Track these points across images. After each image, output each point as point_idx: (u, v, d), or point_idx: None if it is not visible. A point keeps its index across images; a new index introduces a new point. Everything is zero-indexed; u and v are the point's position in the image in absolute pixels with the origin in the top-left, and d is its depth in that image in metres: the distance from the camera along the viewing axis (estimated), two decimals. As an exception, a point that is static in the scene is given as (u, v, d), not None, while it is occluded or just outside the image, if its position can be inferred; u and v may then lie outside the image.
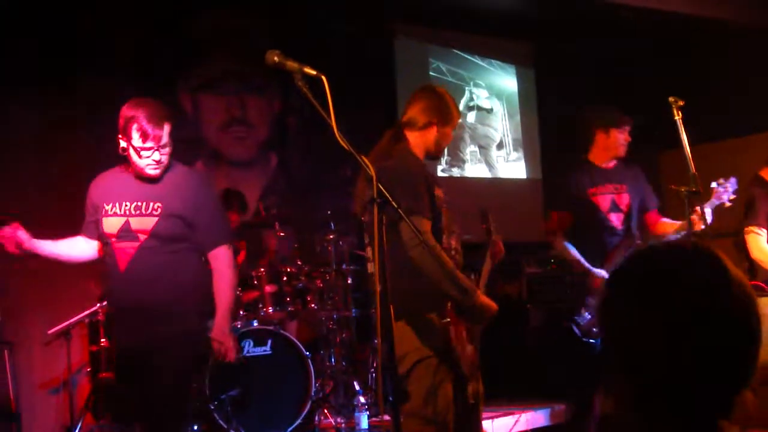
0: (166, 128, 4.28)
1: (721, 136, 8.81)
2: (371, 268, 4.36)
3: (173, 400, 4.37)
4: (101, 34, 7.54)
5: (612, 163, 6.02)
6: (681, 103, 4.94)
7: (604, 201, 5.91)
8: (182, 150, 8.04)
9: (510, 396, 7.43)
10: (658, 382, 1.51)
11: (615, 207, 5.90)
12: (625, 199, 5.93)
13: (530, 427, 6.84)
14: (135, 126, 4.21)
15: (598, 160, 6.02)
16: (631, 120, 5.95)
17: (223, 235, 4.53)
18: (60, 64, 7.25)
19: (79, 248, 4.59)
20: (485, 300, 4.18)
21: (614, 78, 9.34)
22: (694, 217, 5.45)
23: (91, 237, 4.55)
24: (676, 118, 4.89)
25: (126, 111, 4.26)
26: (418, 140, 4.37)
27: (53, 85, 7.22)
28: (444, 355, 4.17)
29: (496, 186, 9.80)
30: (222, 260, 4.49)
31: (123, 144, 4.28)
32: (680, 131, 4.86)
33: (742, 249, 6.10)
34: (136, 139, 4.21)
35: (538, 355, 7.86)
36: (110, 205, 4.39)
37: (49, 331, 6.53)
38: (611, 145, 5.95)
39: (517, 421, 6.75)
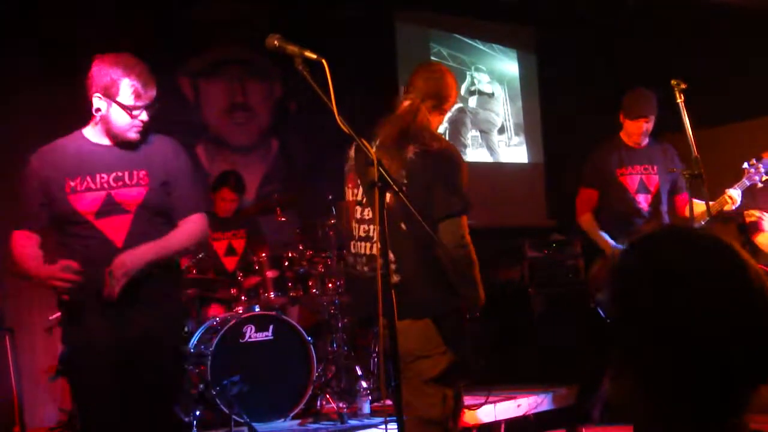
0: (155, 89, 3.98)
1: (723, 119, 8.78)
2: (363, 249, 4.18)
3: (169, 396, 4.13)
4: (102, 21, 7.52)
5: (645, 142, 6.00)
6: (683, 86, 4.93)
7: (632, 182, 5.90)
8: (183, 135, 8.11)
9: (512, 380, 7.42)
10: (671, 373, 1.47)
11: (643, 188, 5.88)
12: (654, 181, 5.92)
13: (533, 411, 6.84)
14: (127, 83, 3.85)
15: (628, 140, 6.01)
16: (647, 114, 5.90)
17: (200, 204, 4.19)
18: (61, 50, 7.22)
19: (32, 248, 4.00)
20: None
21: (616, 61, 9.31)
22: (725, 198, 5.45)
23: (35, 228, 4.01)
24: (679, 101, 4.88)
25: (110, 67, 3.89)
26: (434, 122, 4.26)
27: (54, 73, 7.19)
28: (464, 358, 4.11)
29: (497, 170, 9.78)
30: (193, 222, 4.09)
31: (101, 104, 3.88)
32: (683, 114, 4.85)
33: (744, 232, 6.09)
34: (127, 97, 3.86)
35: (540, 338, 7.85)
36: (77, 180, 3.91)
37: (51, 317, 6.52)
38: (628, 132, 5.96)
39: (519, 406, 6.74)
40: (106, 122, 3.94)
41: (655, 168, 5.93)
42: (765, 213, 6.03)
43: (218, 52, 8.47)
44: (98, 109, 3.90)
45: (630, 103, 5.96)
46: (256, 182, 8.38)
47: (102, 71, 3.88)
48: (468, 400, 6.44)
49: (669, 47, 9.08)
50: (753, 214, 6.04)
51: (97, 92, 3.89)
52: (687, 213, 5.81)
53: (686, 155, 5.07)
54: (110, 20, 7.58)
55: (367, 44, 8.71)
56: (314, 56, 3.18)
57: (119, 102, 3.86)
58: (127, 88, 3.86)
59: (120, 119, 3.91)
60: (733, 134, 8.63)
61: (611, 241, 5.76)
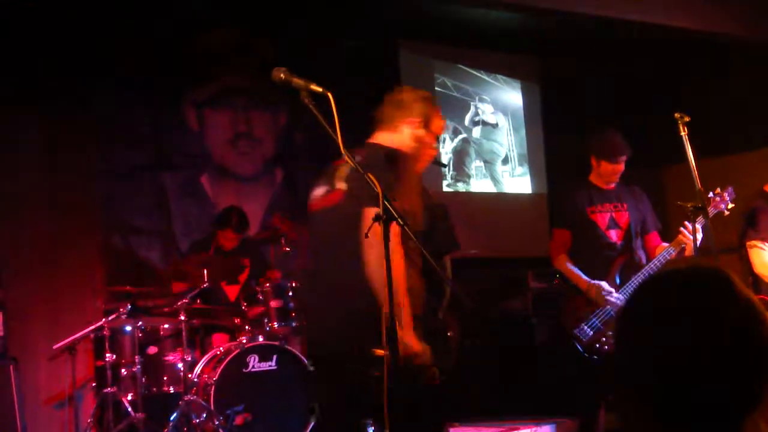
0: None
1: (726, 151, 8.81)
2: None
3: None
4: (110, 51, 7.58)
5: (612, 185, 6.02)
6: (687, 119, 4.93)
7: (602, 218, 5.92)
8: (188, 165, 8.17)
9: (516, 411, 7.41)
10: (671, 406, 1.51)
11: (614, 224, 5.90)
12: (624, 217, 5.93)
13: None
14: (439, 118, 4.34)
15: (598, 182, 6.03)
16: (625, 153, 5.93)
17: None
18: (70, 80, 7.28)
19: None
20: None
21: (619, 93, 9.34)
22: (685, 231, 5.48)
23: None
24: (682, 133, 4.89)
25: (429, 101, 4.32)
26: None
27: (63, 100, 7.25)
28: None
29: (501, 201, 9.80)
30: None
31: (417, 131, 4.25)
32: (686, 147, 4.86)
33: (745, 263, 6.08)
34: (438, 129, 4.35)
35: (544, 369, 7.84)
36: None
37: (54, 346, 6.53)
38: (603, 173, 5.96)
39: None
40: (423, 150, 4.30)
41: (625, 206, 5.96)
42: (767, 244, 6.03)
43: (223, 82, 8.51)
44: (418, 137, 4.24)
45: (607, 145, 5.96)
46: (261, 212, 8.40)
47: (423, 102, 4.28)
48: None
49: (673, 78, 9.12)
50: (755, 245, 6.04)
51: (415, 119, 4.22)
52: (655, 254, 5.84)
53: (690, 188, 5.07)
54: (117, 52, 7.65)
55: (372, 75, 8.74)
56: (320, 89, 3.22)
57: (431, 132, 4.29)
58: (439, 122, 4.33)
59: (425, 147, 4.29)
60: (735, 165, 8.64)
61: (585, 277, 5.78)
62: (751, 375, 1.50)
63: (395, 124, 4.25)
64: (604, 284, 5.67)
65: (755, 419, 1.51)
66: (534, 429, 6.80)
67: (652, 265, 5.65)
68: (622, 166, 5.95)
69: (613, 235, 5.88)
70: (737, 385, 1.50)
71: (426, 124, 4.25)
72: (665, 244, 5.84)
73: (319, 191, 4.16)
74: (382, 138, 4.26)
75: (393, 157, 4.06)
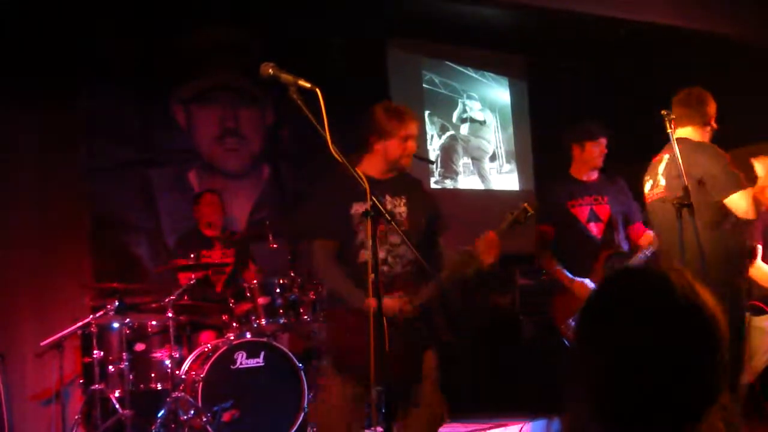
0: None
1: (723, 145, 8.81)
2: None
3: None
4: (98, 48, 7.57)
5: (593, 176, 6.06)
6: (673, 116, 4.95)
7: (582, 212, 5.96)
8: (175, 161, 8.15)
9: (502, 408, 7.42)
10: (623, 402, 1.54)
11: (594, 217, 5.94)
12: (605, 210, 5.97)
13: (523, 439, 6.83)
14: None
15: (579, 173, 6.07)
16: (605, 132, 6.01)
17: None
18: (58, 77, 7.26)
19: None
20: None
21: (607, 91, 9.36)
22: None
23: None
24: (669, 130, 4.90)
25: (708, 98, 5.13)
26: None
27: (51, 97, 7.23)
28: None
29: (488, 198, 9.80)
30: None
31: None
32: (673, 144, 4.87)
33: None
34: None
35: (531, 366, 7.85)
36: None
37: (42, 343, 6.50)
38: (587, 158, 6.01)
39: (509, 433, 6.74)
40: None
41: (605, 198, 6.01)
42: (758, 244, 6.06)
43: (210, 79, 8.50)
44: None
45: (586, 128, 6.07)
46: (248, 208, 8.40)
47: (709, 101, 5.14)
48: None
49: (659, 75, 9.14)
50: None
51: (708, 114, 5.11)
52: (641, 243, 5.89)
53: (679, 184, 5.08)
54: (106, 48, 7.63)
55: (359, 72, 8.74)
56: (308, 85, 3.21)
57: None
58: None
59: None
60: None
61: (569, 274, 5.82)
62: (698, 377, 1.52)
63: (693, 120, 5.12)
64: (587, 282, 5.70)
65: (712, 419, 1.52)
66: (521, 426, 6.81)
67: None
68: (604, 149, 6.01)
69: (594, 228, 5.92)
70: (686, 386, 1.51)
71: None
72: (650, 233, 5.85)
73: (647, 185, 5.27)
74: (685, 133, 5.10)
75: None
